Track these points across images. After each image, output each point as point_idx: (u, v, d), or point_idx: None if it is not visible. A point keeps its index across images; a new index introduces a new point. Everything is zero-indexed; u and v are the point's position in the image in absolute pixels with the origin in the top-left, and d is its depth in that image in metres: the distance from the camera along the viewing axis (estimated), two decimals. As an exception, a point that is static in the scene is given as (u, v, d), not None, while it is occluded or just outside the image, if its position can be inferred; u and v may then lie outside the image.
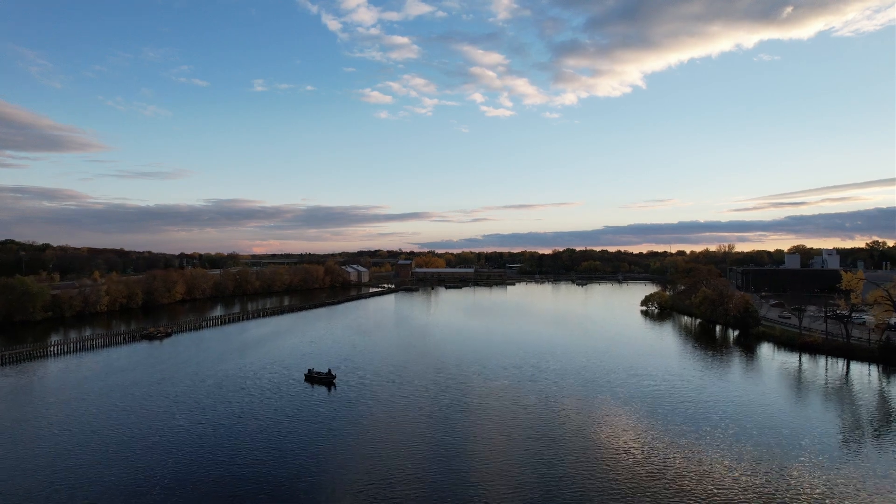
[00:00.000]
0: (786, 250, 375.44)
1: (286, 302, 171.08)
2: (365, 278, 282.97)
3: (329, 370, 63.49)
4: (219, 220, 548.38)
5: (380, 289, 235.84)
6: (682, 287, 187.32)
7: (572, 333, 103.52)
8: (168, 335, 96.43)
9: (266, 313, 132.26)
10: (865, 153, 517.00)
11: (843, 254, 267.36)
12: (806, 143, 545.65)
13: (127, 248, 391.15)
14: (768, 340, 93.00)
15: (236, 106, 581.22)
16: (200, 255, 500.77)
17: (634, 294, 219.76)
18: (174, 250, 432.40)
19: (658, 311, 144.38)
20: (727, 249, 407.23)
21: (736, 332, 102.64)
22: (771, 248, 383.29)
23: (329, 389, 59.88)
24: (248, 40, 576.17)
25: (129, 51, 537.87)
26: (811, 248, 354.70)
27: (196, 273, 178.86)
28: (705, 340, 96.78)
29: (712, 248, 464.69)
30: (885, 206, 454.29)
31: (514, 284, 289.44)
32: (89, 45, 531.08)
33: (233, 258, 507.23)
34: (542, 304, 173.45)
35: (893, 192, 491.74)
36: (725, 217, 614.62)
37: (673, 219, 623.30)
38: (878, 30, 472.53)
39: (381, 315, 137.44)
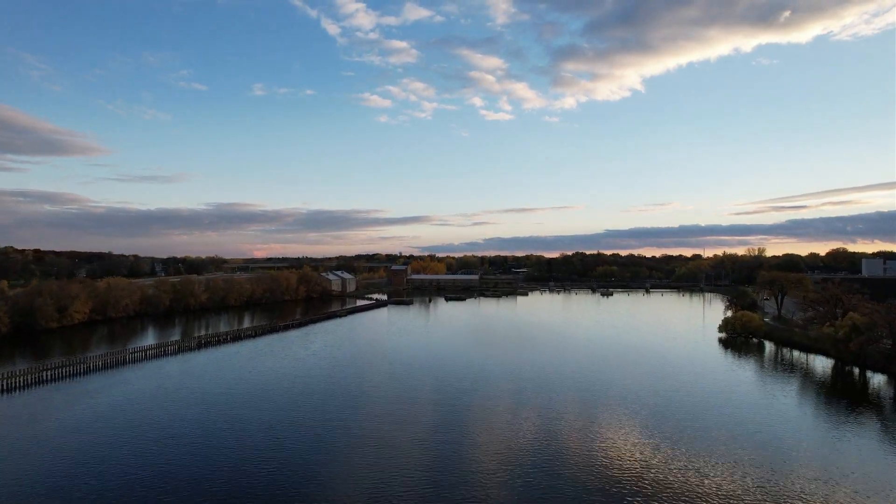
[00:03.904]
0: (831, 254, 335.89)
1: (245, 320, 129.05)
2: (351, 287, 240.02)
3: None
4: (220, 224, 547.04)
5: (367, 301, 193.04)
6: (745, 302, 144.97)
7: (663, 396, 60.48)
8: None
9: (165, 350, 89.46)
10: (866, 157, 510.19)
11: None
12: (806, 147, 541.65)
13: (118, 252, 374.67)
14: None
15: (236, 110, 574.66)
16: (185, 259, 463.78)
17: (678, 307, 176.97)
18: (176, 254, 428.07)
19: (740, 338, 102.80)
20: (757, 253, 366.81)
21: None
22: (767, 252, 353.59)
23: None
24: (247, 45, 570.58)
25: (129, 55, 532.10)
26: (853, 252, 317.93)
27: (116, 284, 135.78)
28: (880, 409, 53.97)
29: (739, 251, 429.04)
30: (886, 210, 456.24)
31: (525, 294, 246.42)
32: (89, 49, 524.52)
33: (215, 262, 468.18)
34: (575, 325, 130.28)
35: (894, 195, 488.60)
36: (727, 220, 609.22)
37: (674, 222, 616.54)
38: (876, 34, 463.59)
39: (350, 351, 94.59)
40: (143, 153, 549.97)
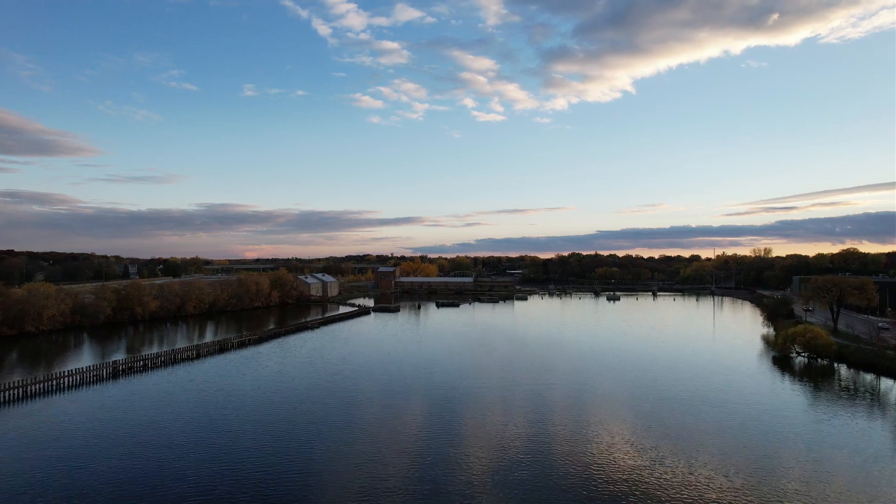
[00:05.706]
0: (839, 254, 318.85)
1: (207, 331, 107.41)
2: (333, 291, 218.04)
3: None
4: (211, 225, 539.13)
5: (349, 307, 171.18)
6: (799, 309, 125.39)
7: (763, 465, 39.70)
8: None
9: (59, 383, 67.56)
10: (854, 158, 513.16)
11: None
12: (795, 149, 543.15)
13: (101, 253, 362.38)
14: None
15: (227, 111, 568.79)
16: (166, 261, 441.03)
17: (696, 314, 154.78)
18: (166, 255, 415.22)
19: (801, 357, 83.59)
20: (763, 253, 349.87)
21: None
22: (773, 253, 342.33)
23: None
24: (239, 45, 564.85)
25: (120, 55, 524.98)
26: (865, 253, 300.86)
27: (38, 290, 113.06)
28: None
29: (739, 251, 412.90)
30: (873, 211, 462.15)
31: (524, 299, 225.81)
32: (80, 49, 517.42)
33: (196, 263, 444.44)
34: (597, 341, 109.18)
35: (882, 196, 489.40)
36: (717, 221, 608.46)
37: (665, 223, 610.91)
38: (863, 36, 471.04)
39: (299, 392, 73.23)
40: (133, 154, 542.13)
